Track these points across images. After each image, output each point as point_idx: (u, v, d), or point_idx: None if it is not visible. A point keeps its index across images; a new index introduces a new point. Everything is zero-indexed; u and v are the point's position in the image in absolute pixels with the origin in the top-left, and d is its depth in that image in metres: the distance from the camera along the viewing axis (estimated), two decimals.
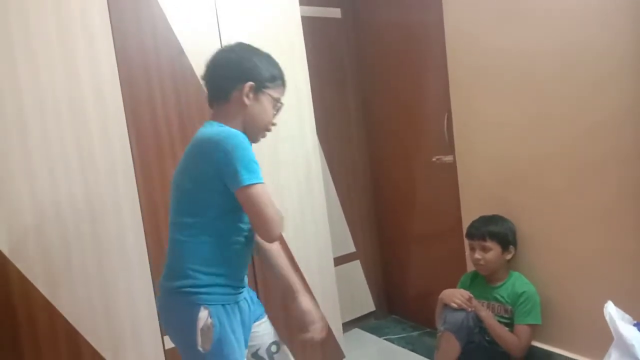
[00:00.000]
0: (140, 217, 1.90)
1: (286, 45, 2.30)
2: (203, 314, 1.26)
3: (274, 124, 1.43)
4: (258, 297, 1.54)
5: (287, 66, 2.32)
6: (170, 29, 1.99)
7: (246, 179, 1.22)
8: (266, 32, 2.22)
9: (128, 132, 1.88)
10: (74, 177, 1.77)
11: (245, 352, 1.38)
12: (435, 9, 2.41)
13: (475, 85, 2.28)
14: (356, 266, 3.07)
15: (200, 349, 1.25)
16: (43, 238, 1.71)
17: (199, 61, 2.01)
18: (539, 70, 2.02)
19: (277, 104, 1.42)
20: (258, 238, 1.44)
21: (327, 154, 2.90)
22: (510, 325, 2.07)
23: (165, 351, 1.95)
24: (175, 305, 1.32)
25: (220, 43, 2.09)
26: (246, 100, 1.34)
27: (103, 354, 1.82)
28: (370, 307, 3.13)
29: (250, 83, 1.34)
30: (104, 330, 1.82)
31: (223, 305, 1.30)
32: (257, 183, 1.23)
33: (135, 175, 1.89)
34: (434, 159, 2.61)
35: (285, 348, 1.51)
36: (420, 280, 2.93)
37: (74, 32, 1.77)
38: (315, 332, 1.44)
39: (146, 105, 1.94)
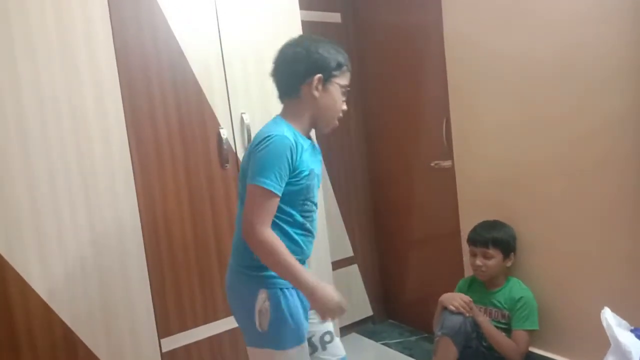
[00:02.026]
0: (139, 220, 1.90)
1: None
2: (262, 296, 1.34)
3: (344, 110, 1.49)
4: None
5: None
6: (171, 32, 1.99)
7: (253, 178, 1.30)
8: (266, 36, 2.23)
9: (127, 135, 1.88)
10: (73, 179, 1.77)
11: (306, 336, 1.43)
12: (434, 13, 2.43)
13: (474, 90, 2.29)
14: (354, 270, 3.07)
15: (258, 329, 1.35)
16: (41, 240, 1.71)
17: (199, 65, 2.04)
18: (537, 74, 2.03)
19: (345, 91, 1.46)
20: None
21: (326, 158, 2.90)
22: (507, 330, 2.07)
23: (162, 354, 1.95)
24: (238, 284, 1.43)
25: (220, 47, 2.10)
26: (316, 94, 1.39)
27: (101, 357, 1.81)
28: (368, 311, 3.13)
29: (319, 75, 1.38)
30: (101, 334, 1.82)
31: (281, 289, 1.36)
32: (259, 185, 1.29)
33: (135, 179, 1.89)
34: (432, 164, 2.62)
35: (338, 341, 1.57)
36: (418, 285, 2.93)
37: (74, 35, 1.77)
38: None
39: (146, 107, 1.94)
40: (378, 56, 2.94)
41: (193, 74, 2.03)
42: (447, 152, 2.50)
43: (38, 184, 1.70)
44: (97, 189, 1.81)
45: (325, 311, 1.31)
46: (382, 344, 2.84)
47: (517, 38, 2.07)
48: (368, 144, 3.10)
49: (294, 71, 1.40)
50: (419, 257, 2.90)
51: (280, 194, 1.32)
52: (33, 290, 1.69)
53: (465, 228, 2.29)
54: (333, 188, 2.95)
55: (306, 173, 1.38)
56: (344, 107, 1.49)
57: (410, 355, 2.64)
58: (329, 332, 1.54)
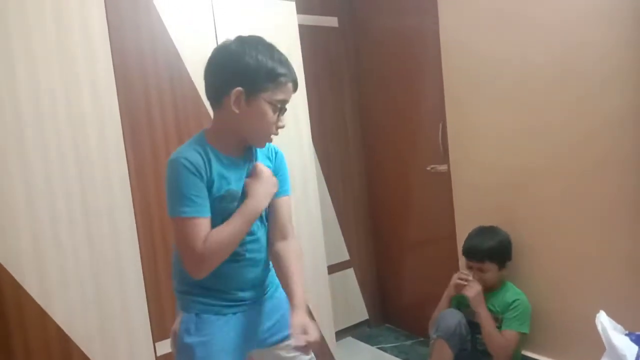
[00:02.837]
0: (135, 225, 1.90)
1: (284, 53, 2.31)
2: (177, 319, 1.29)
3: (281, 127, 1.28)
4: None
5: None
6: (168, 36, 2.00)
7: (169, 210, 1.20)
8: None
9: (124, 137, 1.88)
10: (70, 185, 1.76)
11: None
12: (431, 18, 2.43)
13: (470, 95, 2.30)
14: (350, 274, 3.07)
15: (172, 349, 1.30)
16: (37, 245, 1.70)
17: (196, 68, 2.04)
18: (533, 79, 2.04)
19: (277, 107, 1.24)
20: (276, 242, 1.36)
21: (322, 162, 2.91)
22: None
23: (157, 358, 1.94)
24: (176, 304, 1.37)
25: None
26: (235, 109, 1.20)
27: None
28: (364, 315, 3.13)
29: (238, 89, 1.19)
30: (97, 338, 1.81)
31: (197, 314, 1.28)
32: (176, 217, 1.18)
33: (130, 183, 1.89)
34: (428, 168, 2.62)
35: None
36: (414, 289, 2.93)
37: (72, 38, 1.77)
38: (297, 340, 1.23)
39: (143, 109, 1.94)
40: (375, 60, 2.95)
41: (189, 76, 2.04)
42: (443, 156, 2.50)
43: (34, 187, 1.70)
44: (93, 193, 1.81)
45: (261, 187, 1.25)
46: (378, 348, 2.84)
47: (514, 42, 2.09)
48: (365, 148, 3.11)
49: (215, 80, 1.23)
50: (415, 261, 2.90)
51: (206, 214, 1.19)
52: (27, 294, 1.68)
53: (461, 232, 2.29)
54: (329, 192, 2.95)
55: (218, 195, 1.23)
56: (281, 123, 1.27)
57: None
58: None
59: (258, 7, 2.25)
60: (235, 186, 1.26)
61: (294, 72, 1.26)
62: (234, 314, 1.32)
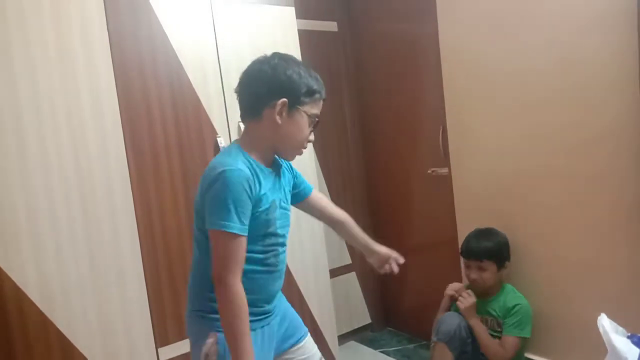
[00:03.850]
0: (136, 231, 1.90)
1: None
2: (210, 340, 1.25)
3: (310, 141, 1.34)
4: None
5: None
6: (168, 42, 2.01)
7: (212, 222, 1.19)
8: (264, 45, 2.24)
9: (125, 145, 1.89)
10: (70, 189, 1.77)
11: None
12: (431, 24, 2.44)
13: (470, 99, 2.30)
14: (352, 278, 3.06)
15: None
16: (38, 249, 1.71)
17: (196, 73, 2.05)
18: (533, 84, 2.04)
19: (314, 120, 1.31)
20: (332, 214, 1.57)
21: (323, 165, 2.91)
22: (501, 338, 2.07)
23: None
24: (192, 327, 1.35)
25: (217, 56, 2.11)
26: (278, 119, 1.24)
27: None
28: (367, 319, 3.12)
29: (284, 100, 1.23)
30: (98, 344, 1.82)
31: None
32: (221, 230, 1.17)
33: (132, 189, 1.90)
34: (429, 171, 2.63)
35: None
36: (416, 293, 2.93)
37: (72, 46, 1.78)
38: (397, 258, 1.68)
39: (143, 117, 1.95)
40: (374, 64, 2.96)
41: (190, 83, 2.05)
42: (444, 160, 2.51)
43: (35, 194, 1.71)
44: (94, 200, 1.82)
45: None
46: (381, 351, 2.83)
47: (514, 47, 2.09)
48: (365, 151, 3.11)
49: (257, 91, 1.25)
50: (417, 264, 2.89)
51: (245, 234, 1.20)
52: (29, 299, 1.69)
53: (463, 235, 2.29)
54: (330, 195, 2.95)
55: (266, 207, 1.26)
56: (311, 137, 1.34)
57: None
58: None
59: (258, 12, 2.26)
60: (274, 196, 1.30)
61: (325, 91, 1.33)
62: (262, 327, 1.33)
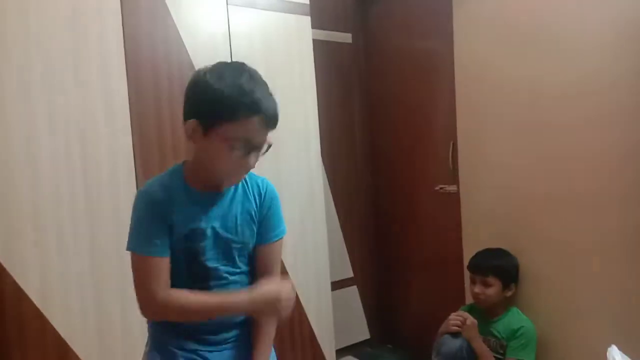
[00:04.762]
0: None
1: (297, 67, 2.32)
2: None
3: (248, 168, 1.14)
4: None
5: (297, 87, 2.33)
6: (183, 47, 2.00)
7: (128, 243, 1.14)
8: (278, 52, 2.24)
9: (132, 137, 1.88)
10: (76, 187, 1.76)
11: None
12: (446, 38, 2.43)
13: (483, 116, 2.28)
14: (353, 292, 3.03)
15: None
16: (40, 246, 1.69)
17: None
18: (548, 102, 2.00)
19: (238, 144, 1.07)
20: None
21: (330, 176, 2.89)
22: None
23: None
24: None
25: (231, 60, 2.10)
26: (192, 142, 1.12)
27: None
28: (366, 334, 3.08)
29: (192, 121, 1.08)
30: (95, 346, 1.79)
31: (158, 351, 1.24)
32: (131, 251, 1.13)
33: (137, 183, 1.88)
34: (437, 188, 2.60)
35: None
36: (418, 310, 2.88)
37: (87, 48, 1.79)
38: None
39: (152, 109, 1.94)
40: (387, 76, 2.95)
41: None
42: (453, 177, 2.48)
43: (41, 189, 1.69)
44: (98, 198, 1.80)
45: (276, 311, 1.15)
46: None
47: (530, 65, 2.06)
48: (373, 164, 3.08)
49: (184, 108, 1.13)
50: (420, 281, 2.86)
51: (161, 254, 1.12)
52: (27, 297, 1.67)
53: (468, 254, 2.26)
54: (336, 207, 2.93)
55: (184, 232, 1.15)
56: (247, 164, 1.12)
57: None
58: None
59: (274, 20, 2.26)
60: (204, 224, 1.17)
61: (269, 106, 1.08)
62: (220, 351, 1.24)
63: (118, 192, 1.84)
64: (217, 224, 1.18)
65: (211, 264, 1.18)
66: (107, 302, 1.82)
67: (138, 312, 1.83)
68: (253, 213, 1.24)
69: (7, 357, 1.64)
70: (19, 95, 1.66)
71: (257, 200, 1.25)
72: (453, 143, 2.46)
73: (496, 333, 2.07)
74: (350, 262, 3.01)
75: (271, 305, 1.15)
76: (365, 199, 3.10)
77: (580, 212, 1.94)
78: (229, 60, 1.21)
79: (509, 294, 2.09)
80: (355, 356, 2.96)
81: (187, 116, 1.11)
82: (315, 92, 2.39)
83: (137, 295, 1.14)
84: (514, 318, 2.06)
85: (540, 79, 2.03)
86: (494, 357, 2.02)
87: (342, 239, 2.98)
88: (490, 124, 2.25)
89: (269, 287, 1.16)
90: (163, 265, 1.12)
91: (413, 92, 2.77)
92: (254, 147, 1.10)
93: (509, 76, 2.15)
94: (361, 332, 3.06)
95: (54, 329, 1.71)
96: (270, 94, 1.11)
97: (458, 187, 2.45)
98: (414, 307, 2.91)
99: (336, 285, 2.83)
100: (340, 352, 2.82)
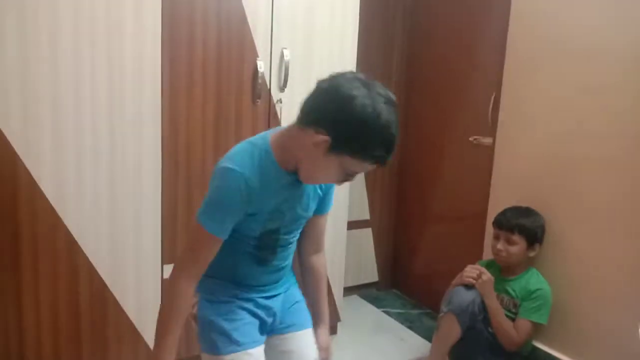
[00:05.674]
0: (160, 138, 1.83)
1: (339, 4, 2.15)
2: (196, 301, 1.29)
3: (338, 185, 1.22)
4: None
5: (338, 24, 2.15)
6: None
7: (199, 212, 1.15)
8: None
9: (162, 51, 1.78)
10: (98, 94, 1.69)
11: (256, 349, 1.28)
12: None
13: (533, 69, 2.12)
14: (367, 234, 3.00)
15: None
16: (59, 146, 1.65)
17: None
18: (602, 66, 1.86)
19: (349, 174, 1.13)
20: (310, 255, 1.39)
21: None
22: (514, 320, 1.99)
23: (162, 280, 1.91)
24: None
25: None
26: (313, 147, 1.07)
27: (101, 273, 1.79)
28: (374, 277, 3.08)
29: (326, 139, 1.04)
30: (105, 251, 1.78)
31: (209, 301, 1.28)
32: (201, 225, 1.13)
33: (162, 100, 1.81)
34: (471, 139, 2.47)
35: None
36: (430, 261, 2.85)
37: None
38: (323, 354, 1.40)
39: (185, 26, 1.82)
40: (434, 12, 2.76)
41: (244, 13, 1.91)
42: (490, 129, 2.35)
43: (62, 91, 1.63)
44: (122, 107, 1.74)
45: None
46: (383, 311, 2.79)
47: (592, 19, 1.89)
48: (407, 106, 2.91)
49: (319, 108, 1.07)
50: (436, 232, 2.80)
51: (224, 237, 1.15)
52: (42, 194, 1.65)
53: (494, 210, 2.17)
54: None
55: (266, 216, 1.18)
56: (337, 185, 1.22)
57: (410, 328, 2.59)
58: None
59: None
60: (288, 205, 1.21)
61: (391, 155, 1.10)
62: (251, 300, 1.29)
63: (142, 97, 1.77)
64: (297, 205, 1.23)
65: (283, 236, 1.26)
66: (122, 209, 1.79)
67: (152, 222, 1.85)
68: (319, 189, 1.28)
69: (17, 247, 1.64)
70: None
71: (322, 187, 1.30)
72: (496, 94, 2.31)
73: (511, 292, 2.02)
74: (369, 204, 2.96)
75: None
76: None
77: (622, 181, 1.83)
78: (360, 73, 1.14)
79: (532, 254, 2.03)
80: (360, 296, 2.98)
81: (320, 123, 1.05)
82: (357, 30, 2.22)
83: (181, 255, 1.20)
84: (532, 279, 2.01)
85: (599, 36, 1.87)
86: (506, 315, 1.98)
87: (364, 181, 2.91)
88: (540, 78, 2.09)
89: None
90: (217, 246, 1.16)
91: (460, 33, 2.59)
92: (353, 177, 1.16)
93: (569, 30, 1.97)
94: (370, 275, 3.06)
95: (67, 230, 1.70)
96: None
97: (494, 140, 2.32)
98: (426, 257, 2.87)
99: (352, 225, 2.78)
100: (346, 290, 2.81)
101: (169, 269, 1.88)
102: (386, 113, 1.05)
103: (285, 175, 1.17)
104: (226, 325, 1.24)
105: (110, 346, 1.85)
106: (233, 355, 1.22)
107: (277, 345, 1.34)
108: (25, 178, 1.62)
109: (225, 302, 1.27)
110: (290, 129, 1.15)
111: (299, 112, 1.12)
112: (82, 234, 1.73)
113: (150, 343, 1.91)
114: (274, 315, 1.33)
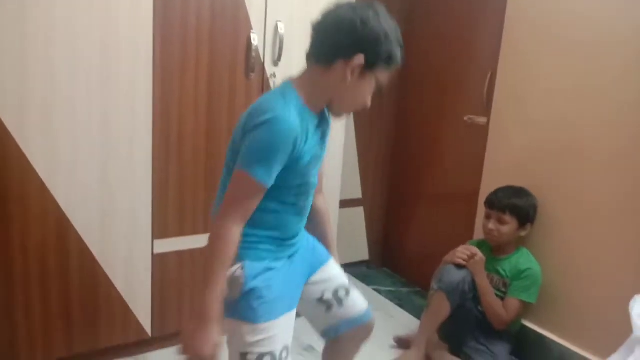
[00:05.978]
0: (151, 113, 1.79)
1: None
2: (236, 265, 1.23)
3: (366, 106, 1.27)
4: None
5: None
6: None
7: (244, 163, 1.14)
8: None
9: (154, 22, 1.74)
10: (92, 65, 1.65)
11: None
12: None
13: (530, 48, 2.10)
14: (359, 213, 3.00)
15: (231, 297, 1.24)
16: (50, 117, 1.61)
17: None
18: (602, 52, 1.85)
19: (378, 88, 1.24)
20: (316, 194, 1.40)
21: None
22: (504, 299, 2.01)
23: (153, 255, 1.90)
24: None
25: None
26: (349, 76, 1.16)
27: (92, 248, 1.77)
28: (364, 255, 3.09)
29: (362, 56, 1.14)
30: (96, 226, 1.76)
31: (259, 260, 1.26)
32: (249, 175, 1.13)
33: (153, 73, 1.77)
34: (465, 118, 2.46)
35: (356, 294, 1.46)
36: (421, 240, 2.86)
37: None
38: None
39: (178, 13, 1.79)
40: None
41: None
42: (485, 109, 2.34)
43: (56, 62, 1.59)
44: (114, 76, 1.70)
45: (187, 346, 1.16)
46: (373, 289, 2.81)
47: (591, 1, 1.88)
48: (400, 85, 2.90)
49: (339, 41, 1.15)
50: (428, 212, 2.81)
51: (269, 184, 1.16)
52: (33, 168, 1.62)
53: (486, 190, 2.18)
54: (355, 125, 2.82)
55: (307, 160, 1.21)
56: (369, 102, 1.26)
57: (399, 306, 2.62)
58: (342, 287, 1.43)
59: None
60: (320, 148, 1.28)
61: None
62: (289, 257, 1.33)
63: (133, 69, 1.73)
64: (324, 145, 1.31)
65: (312, 179, 1.29)
66: (113, 183, 1.77)
67: (143, 197, 1.82)
68: (328, 130, 1.33)
69: (7, 222, 1.62)
70: None
71: (328, 118, 1.33)
72: (492, 72, 2.29)
73: (501, 271, 2.04)
74: (361, 183, 2.95)
75: (189, 342, 1.18)
76: (387, 120, 2.96)
77: (614, 162, 1.84)
78: None
79: (523, 234, 2.04)
80: (351, 274, 2.98)
81: (349, 50, 1.14)
82: None
83: (226, 203, 1.16)
84: (523, 259, 2.02)
85: (599, 22, 1.85)
86: (495, 294, 2.00)
87: (357, 159, 2.89)
88: (537, 57, 2.08)
89: (210, 339, 1.17)
90: (262, 195, 1.17)
91: (457, 13, 2.55)
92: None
93: (569, 10, 1.95)
94: (360, 253, 3.07)
95: (56, 202, 1.67)
96: None
97: (488, 120, 2.31)
98: (418, 236, 2.89)
99: (344, 204, 2.77)
100: None
101: (159, 244, 1.90)
102: (390, 20, 1.18)
103: (315, 118, 1.23)
104: (274, 291, 1.24)
105: (100, 321, 1.84)
106: (286, 315, 1.26)
107: (314, 282, 1.40)
108: (16, 153, 1.58)
109: (270, 268, 1.26)
110: (307, 76, 1.22)
111: (310, 54, 1.20)
112: (72, 209, 1.71)
113: (140, 317, 1.91)
114: (302, 260, 1.37)
